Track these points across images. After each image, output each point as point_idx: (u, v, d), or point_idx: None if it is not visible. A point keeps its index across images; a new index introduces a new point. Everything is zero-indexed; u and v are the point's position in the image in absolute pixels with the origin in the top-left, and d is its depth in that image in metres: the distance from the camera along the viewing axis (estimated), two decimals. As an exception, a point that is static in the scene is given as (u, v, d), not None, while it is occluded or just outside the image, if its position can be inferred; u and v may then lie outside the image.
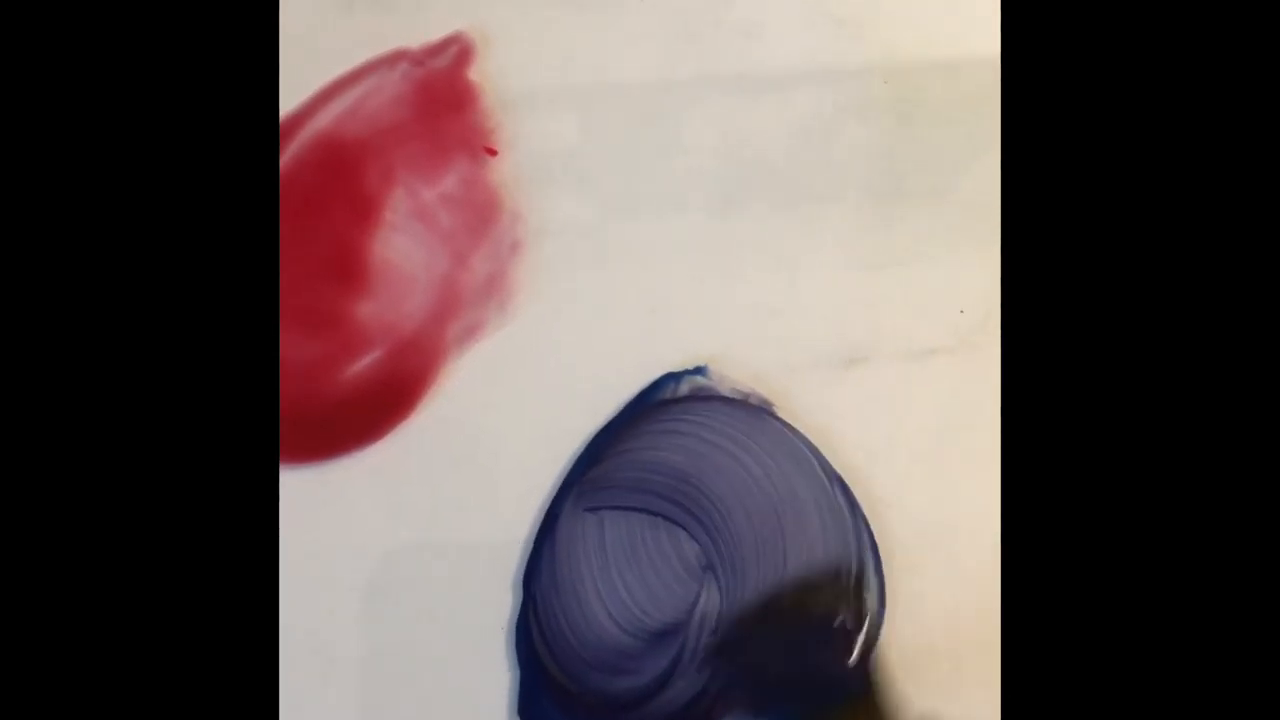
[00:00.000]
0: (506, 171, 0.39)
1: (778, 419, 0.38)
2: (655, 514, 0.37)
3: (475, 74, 0.39)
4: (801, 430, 0.38)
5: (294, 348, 0.38)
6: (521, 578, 0.37)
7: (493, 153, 0.39)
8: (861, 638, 0.37)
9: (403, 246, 0.39)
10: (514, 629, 0.37)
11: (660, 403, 0.37)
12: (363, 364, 0.38)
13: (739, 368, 0.38)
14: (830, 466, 0.38)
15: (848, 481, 0.38)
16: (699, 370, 0.38)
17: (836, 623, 0.36)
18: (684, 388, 0.38)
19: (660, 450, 0.37)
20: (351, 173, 0.39)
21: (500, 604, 0.37)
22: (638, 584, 0.37)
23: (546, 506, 0.38)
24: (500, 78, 0.39)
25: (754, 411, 0.37)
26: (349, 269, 0.39)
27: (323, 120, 0.39)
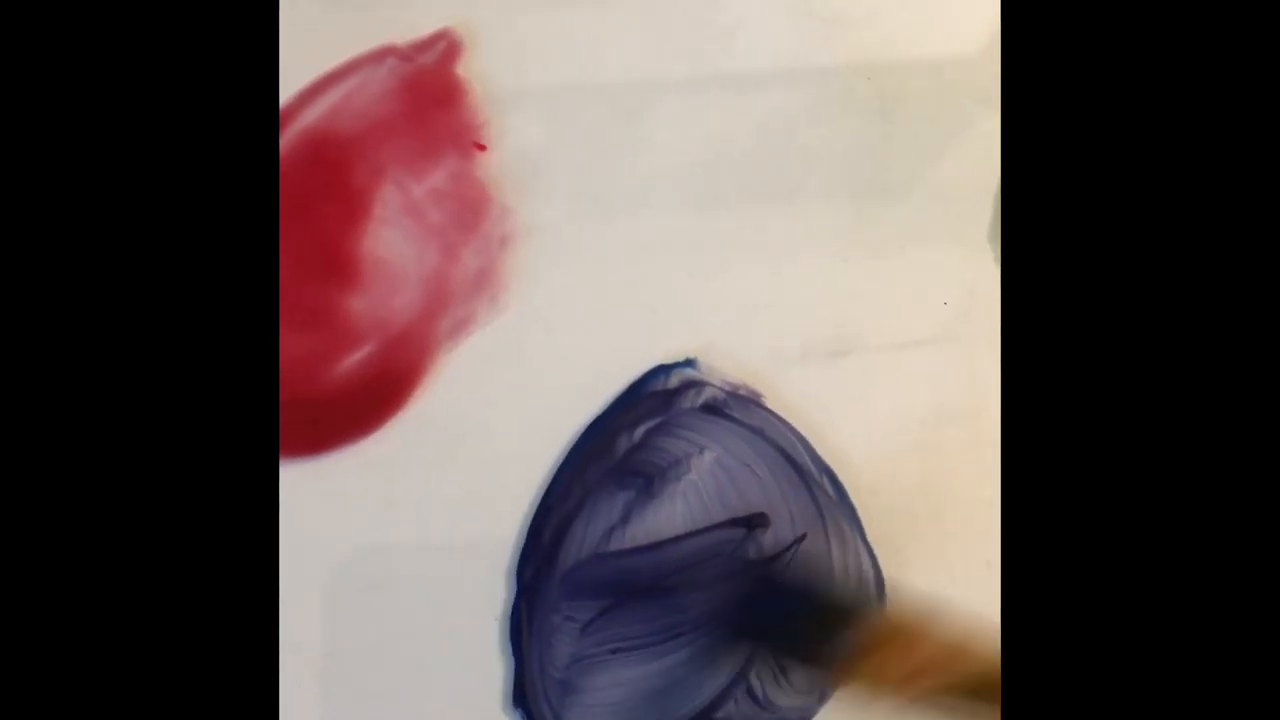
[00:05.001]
0: (496, 166, 0.39)
1: (766, 410, 0.39)
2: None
3: (463, 70, 0.40)
4: (790, 421, 0.39)
5: (286, 343, 0.38)
6: (515, 569, 0.38)
7: (482, 148, 0.39)
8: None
9: (393, 242, 0.39)
10: (507, 620, 0.37)
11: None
12: (355, 359, 0.38)
13: (728, 360, 0.39)
14: (819, 456, 0.38)
15: (836, 471, 0.38)
16: (689, 363, 0.39)
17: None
18: (674, 380, 0.39)
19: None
20: (341, 169, 0.39)
21: (493, 596, 0.38)
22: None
23: (539, 499, 0.38)
24: (488, 73, 0.39)
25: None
26: (340, 265, 0.39)
27: (310, 116, 0.39)
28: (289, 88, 0.39)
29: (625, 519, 0.38)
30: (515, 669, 0.37)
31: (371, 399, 0.38)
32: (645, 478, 0.38)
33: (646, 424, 0.38)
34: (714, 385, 0.39)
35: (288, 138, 0.39)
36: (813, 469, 0.38)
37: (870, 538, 0.38)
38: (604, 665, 0.37)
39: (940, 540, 0.39)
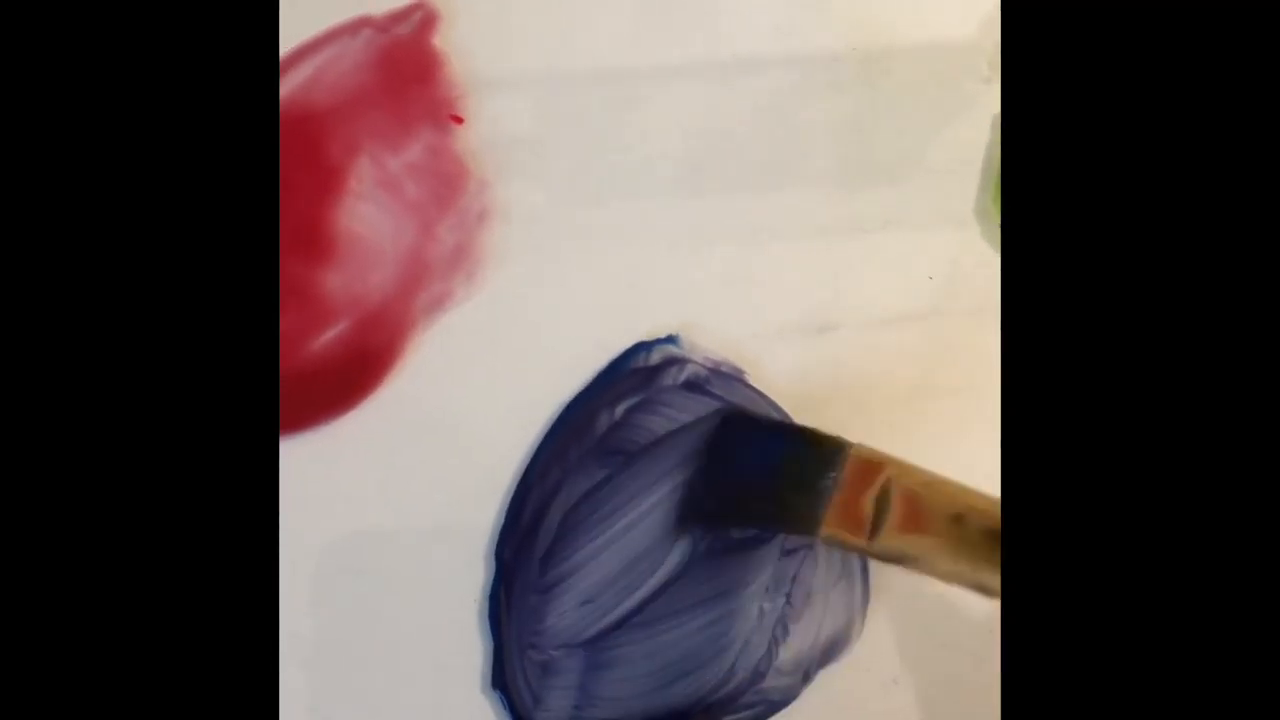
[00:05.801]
0: (473, 140, 0.38)
1: (750, 386, 0.38)
2: None
3: (440, 41, 0.39)
4: (773, 398, 0.38)
5: (258, 319, 0.37)
6: (494, 549, 0.37)
7: (459, 121, 0.38)
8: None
9: (369, 217, 0.38)
10: (486, 602, 0.37)
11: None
12: (329, 336, 0.38)
13: (710, 336, 0.38)
14: (802, 433, 0.38)
15: (820, 448, 0.38)
16: (670, 339, 0.38)
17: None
18: (655, 357, 0.38)
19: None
20: (314, 142, 0.38)
21: (472, 577, 0.37)
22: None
23: (518, 478, 0.37)
24: (466, 45, 0.39)
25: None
26: (314, 240, 0.38)
27: (285, 89, 0.38)
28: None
29: (606, 498, 0.37)
30: (495, 650, 0.37)
31: (346, 377, 0.37)
32: (626, 455, 0.37)
33: (627, 401, 0.37)
34: (696, 362, 0.38)
35: (261, 111, 0.38)
36: (796, 446, 0.38)
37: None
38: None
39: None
